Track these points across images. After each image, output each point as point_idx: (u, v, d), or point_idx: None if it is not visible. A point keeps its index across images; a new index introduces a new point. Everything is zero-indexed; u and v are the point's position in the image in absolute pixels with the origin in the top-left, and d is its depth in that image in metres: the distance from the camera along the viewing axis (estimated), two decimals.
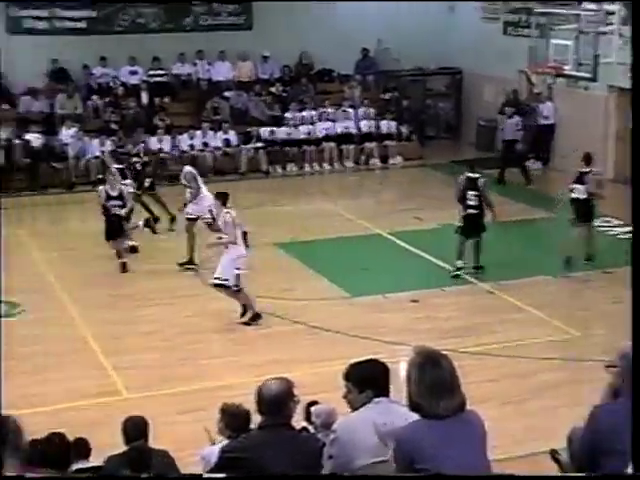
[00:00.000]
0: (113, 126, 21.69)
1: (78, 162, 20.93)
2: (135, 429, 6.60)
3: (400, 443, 4.13)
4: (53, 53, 22.37)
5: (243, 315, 12.62)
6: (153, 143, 21.64)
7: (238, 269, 12.37)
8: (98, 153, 20.96)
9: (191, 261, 14.86)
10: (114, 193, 14.82)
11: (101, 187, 15.19)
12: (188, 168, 15.67)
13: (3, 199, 19.64)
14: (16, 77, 22.11)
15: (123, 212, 14.85)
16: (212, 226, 14.37)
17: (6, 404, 3.04)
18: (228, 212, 12.57)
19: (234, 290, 12.45)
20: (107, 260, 14.92)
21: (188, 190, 15.15)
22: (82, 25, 22.93)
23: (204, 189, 15.11)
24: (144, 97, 22.85)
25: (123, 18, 23.20)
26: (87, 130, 21.57)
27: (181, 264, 14.78)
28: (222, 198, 12.82)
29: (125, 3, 23.04)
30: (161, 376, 10.99)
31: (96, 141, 21.23)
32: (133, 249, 15.48)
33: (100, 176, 18.30)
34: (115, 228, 14.81)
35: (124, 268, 14.63)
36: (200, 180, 15.32)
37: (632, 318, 3.86)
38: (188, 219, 15.11)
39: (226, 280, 12.33)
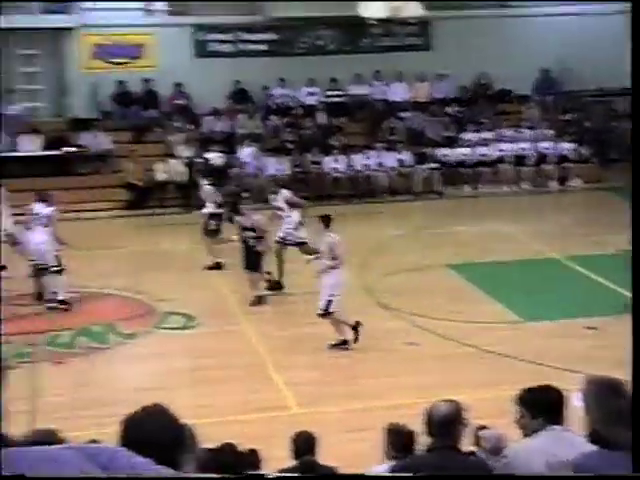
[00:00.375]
0: (289, 145, 22.19)
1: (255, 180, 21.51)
2: (305, 444, 6.67)
3: (578, 472, 3.97)
4: (235, 75, 23.12)
5: (356, 339, 12.38)
6: (328, 162, 21.96)
7: (332, 296, 12.15)
8: (274, 171, 21.51)
9: (279, 284, 14.75)
10: (247, 224, 14.23)
11: (237, 218, 14.69)
12: (285, 191, 15.38)
13: (181, 215, 20.38)
14: (200, 98, 22.99)
15: (259, 248, 14.18)
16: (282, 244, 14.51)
17: (182, 413, 3.12)
18: (330, 236, 12.34)
19: (324, 314, 12.25)
20: (285, 276, 15.16)
21: (281, 213, 15.06)
22: (263, 48, 23.65)
23: (295, 213, 14.94)
24: (321, 117, 23.24)
25: (303, 40, 23.73)
26: (265, 149, 22.14)
27: (270, 288, 14.60)
28: (325, 221, 12.49)
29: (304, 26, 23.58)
30: (330, 393, 11.06)
31: (273, 160, 21.77)
32: (275, 286, 14.82)
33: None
34: (250, 260, 14.24)
35: (259, 301, 14.21)
36: (293, 201, 15.06)
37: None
38: (277, 242, 14.90)
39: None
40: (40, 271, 14.12)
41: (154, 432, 2.84)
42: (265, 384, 11.40)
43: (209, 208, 16.35)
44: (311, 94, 23.60)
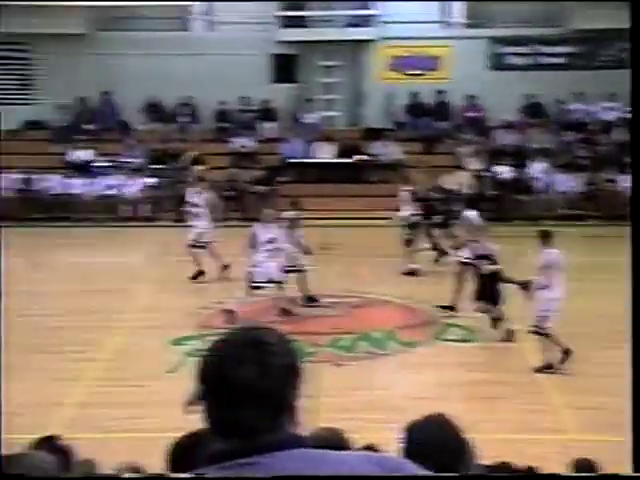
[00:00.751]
0: (582, 162, 21.47)
1: (545, 197, 21.04)
2: (585, 471, 6.38)
3: None
4: (529, 88, 22.71)
5: (563, 359, 11.89)
6: (624, 181, 21.01)
7: (546, 312, 11.79)
8: (565, 188, 20.92)
9: (453, 307, 14.16)
10: (481, 251, 13.35)
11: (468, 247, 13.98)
12: (468, 213, 14.52)
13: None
14: (492, 111, 22.81)
15: (490, 268, 13.12)
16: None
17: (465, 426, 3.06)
18: (549, 252, 11.88)
19: (536, 331, 11.92)
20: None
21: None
22: (561, 61, 23.07)
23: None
24: (619, 134, 22.29)
25: (604, 53, 22.88)
26: (557, 165, 21.57)
27: (442, 306, 14.24)
28: (544, 237, 12.04)
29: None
30: (614, 421, 10.49)
31: (564, 177, 21.15)
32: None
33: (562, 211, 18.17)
34: (483, 290, 13.27)
35: (508, 336, 13.08)
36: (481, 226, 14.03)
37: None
38: (462, 263, 14.16)
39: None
40: (293, 273, 14.55)
41: (438, 441, 2.79)
42: (542, 404, 11.07)
43: (404, 212, 16.67)
44: (610, 109, 22.68)
